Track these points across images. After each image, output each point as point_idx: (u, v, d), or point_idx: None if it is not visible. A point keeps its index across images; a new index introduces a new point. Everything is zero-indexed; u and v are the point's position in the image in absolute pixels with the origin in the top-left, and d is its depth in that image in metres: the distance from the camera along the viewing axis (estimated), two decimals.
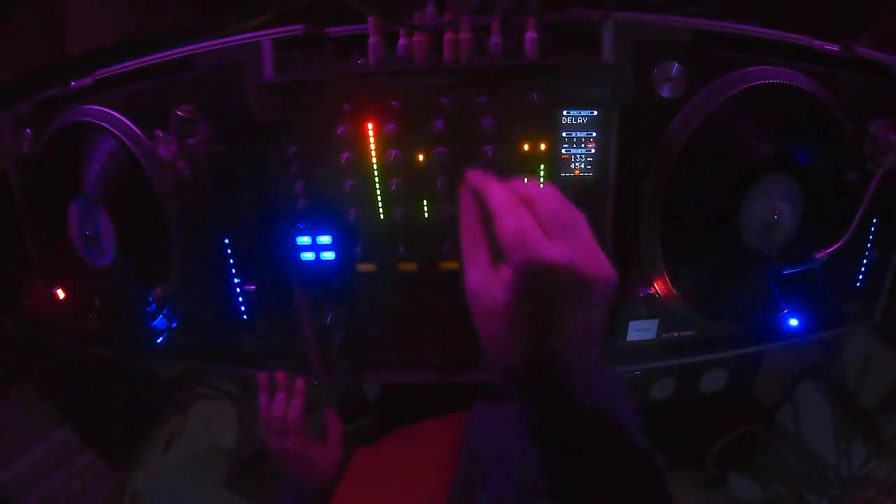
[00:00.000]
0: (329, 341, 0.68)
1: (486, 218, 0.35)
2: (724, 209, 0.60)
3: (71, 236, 0.67)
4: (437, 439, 0.64)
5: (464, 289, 0.35)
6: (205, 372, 1.18)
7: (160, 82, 0.63)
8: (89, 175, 0.64)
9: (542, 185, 0.37)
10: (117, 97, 0.64)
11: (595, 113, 0.58)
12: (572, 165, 0.60)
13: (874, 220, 0.70)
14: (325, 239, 0.63)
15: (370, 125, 0.58)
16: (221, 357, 0.74)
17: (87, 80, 0.64)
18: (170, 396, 1.19)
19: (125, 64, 0.63)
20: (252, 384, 1.17)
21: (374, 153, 0.59)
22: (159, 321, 0.68)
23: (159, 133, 0.59)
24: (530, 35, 0.56)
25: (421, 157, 0.59)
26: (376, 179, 0.60)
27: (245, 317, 0.70)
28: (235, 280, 0.68)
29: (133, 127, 0.62)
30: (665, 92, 0.59)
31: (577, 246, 0.35)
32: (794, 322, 0.68)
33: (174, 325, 0.70)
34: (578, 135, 0.59)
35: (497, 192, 0.35)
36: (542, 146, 0.58)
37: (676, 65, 0.58)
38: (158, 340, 0.70)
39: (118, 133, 0.62)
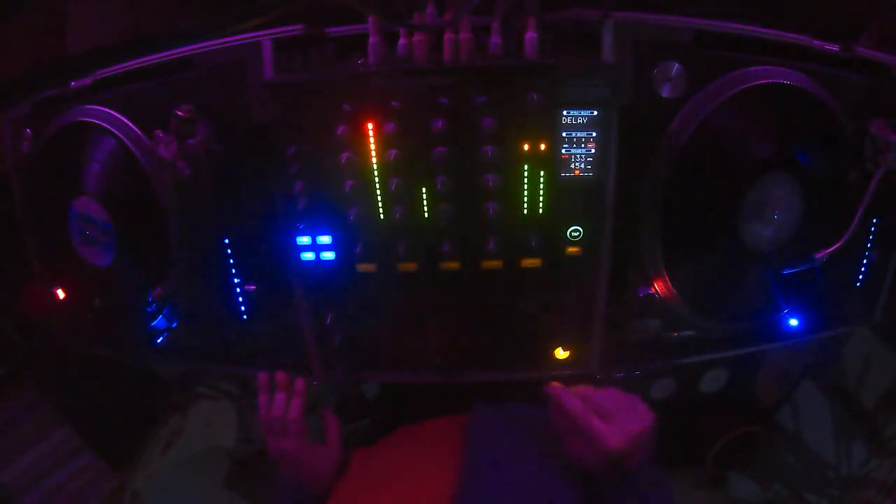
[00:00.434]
0: (329, 341, 0.68)
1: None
2: (724, 209, 0.60)
3: (71, 236, 0.67)
4: (436, 441, 0.64)
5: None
6: (205, 372, 1.18)
7: (160, 82, 0.63)
8: (89, 175, 0.64)
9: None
10: (117, 97, 0.64)
11: (595, 113, 0.58)
12: (572, 165, 0.60)
13: (874, 220, 0.70)
14: (325, 239, 0.63)
15: (370, 125, 0.58)
16: (221, 357, 0.74)
17: (87, 80, 0.64)
18: (170, 396, 1.19)
19: (125, 64, 0.63)
20: (252, 384, 1.17)
21: (374, 153, 0.59)
22: (159, 321, 0.68)
23: (159, 133, 0.59)
24: (530, 35, 0.56)
25: (421, 158, 0.59)
26: (376, 179, 0.60)
27: (245, 317, 0.70)
28: (235, 280, 0.68)
29: (133, 127, 0.62)
30: (665, 92, 0.59)
31: (631, 419, 0.56)
32: (794, 322, 0.68)
33: (174, 325, 0.70)
34: (578, 135, 0.59)
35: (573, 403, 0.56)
36: (542, 146, 0.58)
37: (676, 65, 0.58)
38: (158, 340, 0.70)
39: (118, 133, 0.62)
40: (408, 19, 0.56)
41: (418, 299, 0.66)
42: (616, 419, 0.55)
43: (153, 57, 0.62)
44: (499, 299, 0.65)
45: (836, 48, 0.62)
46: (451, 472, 0.56)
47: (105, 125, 0.62)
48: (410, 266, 0.63)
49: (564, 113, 0.58)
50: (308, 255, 0.64)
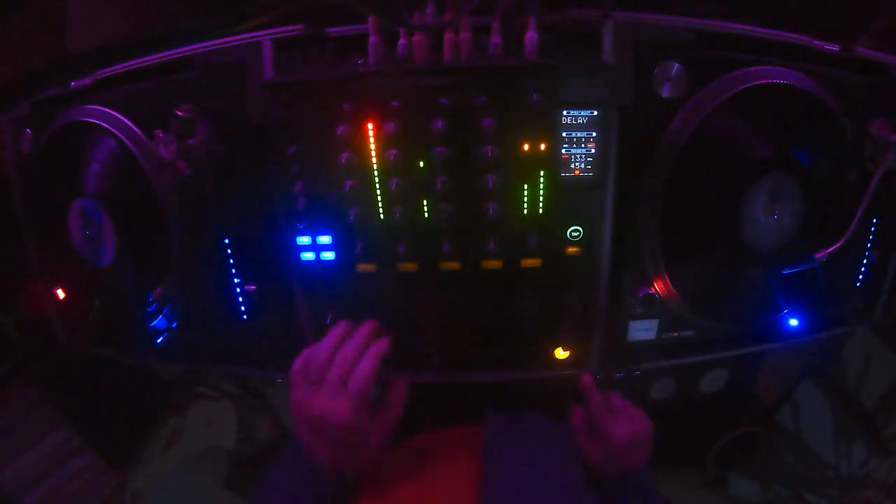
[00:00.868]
0: None
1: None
2: (724, 209, 0.60)
3: (71, 236, 0.67)
4: (451, 453, 0.63)
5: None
6: (205, 372, 1.18)
7: (160, 82, 0.63)
8: (89, 175, 0.64)
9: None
10: (117, 97, 0.64)
11: (595, 113, 0.58)
12: (572, 165, 0.60)
13: (874, 220, 0.70)
14: (325, 239, 0.63)
15: (370, 125, 0.58)
16: (221, 357, 0.74)
17: (87, 80, 0.64)
18: (170, 396, 1.20)
19: (125, 64, 0.63)
20: (252, 384, 1.18)
21: (373, 153, 0.59)
22: (159, 321, 0.68)
23: (159, 133, 0.59)
24: (530, 35, 0.56)
25: (421, 157, 0.59)
26: (376, 179, 0.60)
27: (245, 317, 0.70)
28: (235, 280, 0.68)
29: (133, 127, 0.62)
30: (665, 92, 0.59)
31: (632, 420, 0.68)
32: (794, 322, 0.68)
33: (174, 325, 0.70)
34: (578, 135, 0.59)
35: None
36: (542, 146, 0.58)
37: (676, 65, 0.58)
38: (158, 340, 0.70)
39: (118, 133, 0.62)
40: (408, 19, 0.56)
41: (418, 299, 0.66)
42: (621, 417, 0.66)
43: (153, 57, 0.62)
44: (499, 299, 0.65)
45: (836, 48, 0.62)
46: (470, 487, 0.55)
47: (105, 125, 0.62)
48: (410, 266, 0.63)
49: (564, 113, 0.58)
50: (308, 255, 0.64)
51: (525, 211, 0.61)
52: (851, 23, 0.70)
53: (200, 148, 0.60)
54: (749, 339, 0.73)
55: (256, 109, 0.60)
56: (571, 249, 0.63)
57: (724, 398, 1.00)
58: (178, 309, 0.69)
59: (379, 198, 0.61)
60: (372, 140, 0.58)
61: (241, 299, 0.69)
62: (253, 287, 0.68)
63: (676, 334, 0.70)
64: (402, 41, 0.57)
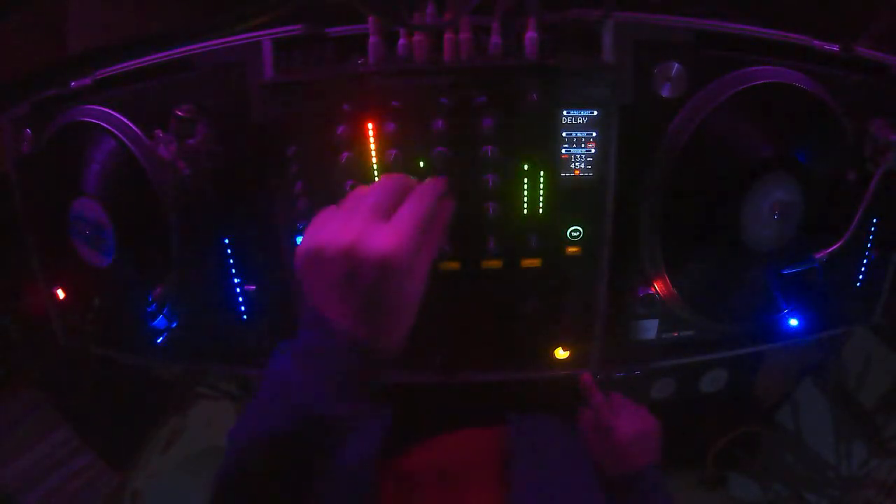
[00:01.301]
0: None
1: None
2: (724, 209, 0.60)
3: (71, 236, 0.67)
4: (473, 458, 0.63)
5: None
6: (205, 372, 1.18)
7: (160, 82, 0.63)
8: (89, 175, 0.64)
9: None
10: (117, 97, 0.64)
11: (595, 113, 0.58)
12: (572, 165, 0.60)
13: (874, 220, 0.70)
14: None
15: (370, 125, 0.58)
16: (221, 357, 0.74)
17: (87, 80, 0.64)
18: (170, 396, 1.20)
19: (125, 64, 0.63)
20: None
21: (374, 153, 0.59)
22: (159, 321, 0.68)
23: (159, 133, 0.59)
24: (530, 35, 0.56)
25: (421, 157, 0.59)
26: (376, 179, 0.60)
27: (245, 317, 0.70)
28: (235, 280, 0.68)
29: (133, 127, 0.62)
30: (665, 92, 0.59)
31: (636, 417, 0.68)
32: (794, 322, 0.68)
33: (174, 325, 0.70)
34: (578, 135, 0.59)
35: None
36: (542, 146, 0.58)
37: (676, 65, 0.58)
38: (158, 340, 0.70)
39: (118, 133, 0.62)
40: (408, 19, 0.56)
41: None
42: (625, 415, 0.67)
43: (153, 57, 0.62)
44: (499, 299, 0.65)
45: (836, 48, 0.62)
46: (495, 489, 0.55)
47: (105, 125, 0.62)
48: None
49: (564, 113, 0.58)
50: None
51: (525, 211, 0.61)
52: (851, 23, 0.70)
53: (200, 148, 0.60)
54: (749, 339, 0.73)
55: (256, 109, 0.60)
56: (571, 249, 0.63)
57: (724, 398, 1.00)
58: (178, 309, 0.69)
59: None
60: (372, 140, 0.58)
61: (241, 299, 0.69)
62: (253, 287, 0.68)
63: (676, 334, 0.70)
64: (402, 41, 0.57)
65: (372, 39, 0.57)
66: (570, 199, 0.61)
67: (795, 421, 1.11)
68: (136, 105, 0.63)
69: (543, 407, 0.71)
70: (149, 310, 0.67)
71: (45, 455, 1.03)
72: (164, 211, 0.62)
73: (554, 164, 0.59)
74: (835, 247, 0.61)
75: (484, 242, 0.62)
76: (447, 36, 0.56)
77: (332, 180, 0.60)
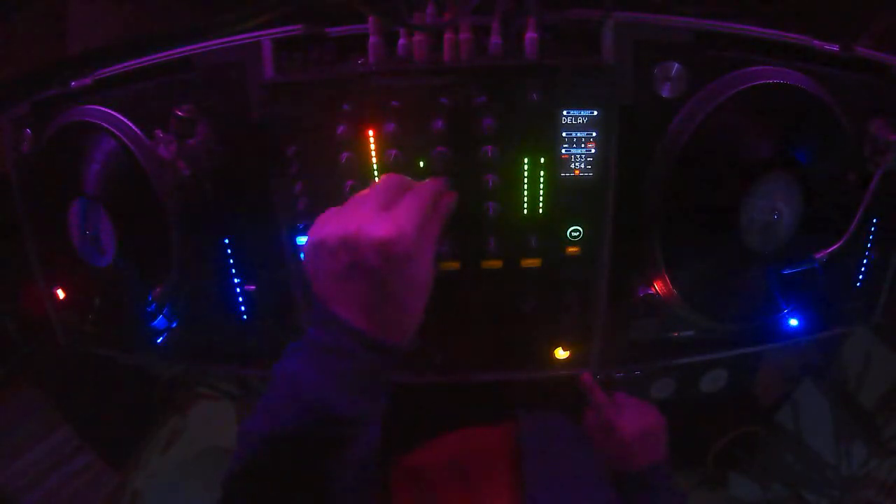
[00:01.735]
0: None
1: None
2: (724, 209, 0.60)
3: (71, 236, 0.67)
4: (485, 449, 0.63)
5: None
6: (205, 372, 1.18)
7: (160, 82, 0.63)
8: (89, 175, 0.64)
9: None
10: (117, 97, 0.64)
11: (595, 113, 0.58)
12: (572, 165, 0.60)
13: (874, 220, 0.70)
14: None
15: (370, 125, 0.57)
16: (221, 357, 0.74)
17: (87, 80, 0.64)
18: (170, 396, 1.20)
19: (125, 64, 0.63)
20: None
21: (374, 153, 0.59)
22: (159, 321, 0.68)
23: (159, 133, 0.59)
24: (530, 35, 0.56)
25: (421, 157, 0.59)
26: (376, 179, 0.60)
27: (245, 317, 0.70)
28: (235, 280, 0.68)
29: (133, 127, 0.62)
30: (665, 92, 0.59)
31: (641, 415, 0.68)
32: (794, 322, 0.68)
33: (174, 325, 0.70)
34: (578, 135, 0.59)
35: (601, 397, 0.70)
36: (542, 146, 0.58)
37: (676, 65, 0.58)
38: (158, 340, 0.70)
39: (118, 133, 0.62)
40: (408, 19, 0.56)
41: None
42: (628, 412, 0.68)
43: (153, 57, 0.62)
44: (499, 299, 0.65)
45: (836, 48, 0.62)
46: (508, 485, 0.56)
47: (105, 125, 0.62)
48: None
49: (564, 113, 0.58)
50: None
51: (525, 211, 0.61)
52: (851, 23, 0.70)
53: (200, 148, 0.60)
54: (749, 339, 0.73)
55: (256, 109, 0.60)
56: (571, 249, 0.63)
57: (724, 398, 1.00)
58: (178, 309, 0.69)
59: None
60: (372, 140, 0.58)
61: (241, 299, 0.69)
62: (253, 287, 0.68)
63: (676, 334, 0.70)
64: (402, 41, 0.57)
65: (372, 39, 0.57)
66: (570, 199, 0.61)
67: (795, 421, 1.11)
68: (136, 105, 0.63)
69: (549, 405, 0.71)
70: (149, 310, 0.67)
71: (45, 455, 1.03)
72: (164, 211, 0.62)
73: (554, 164, 0.59)
74: (835, 247, 0.61)
75: (484, 242, 0.62)
76: (447, 36, 0.56)
77: (332, 180, 0.60)
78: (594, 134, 0.59)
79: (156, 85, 0.63)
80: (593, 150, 0.59)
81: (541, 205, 0.61)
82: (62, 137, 0.66)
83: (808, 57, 0.62)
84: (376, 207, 0.40)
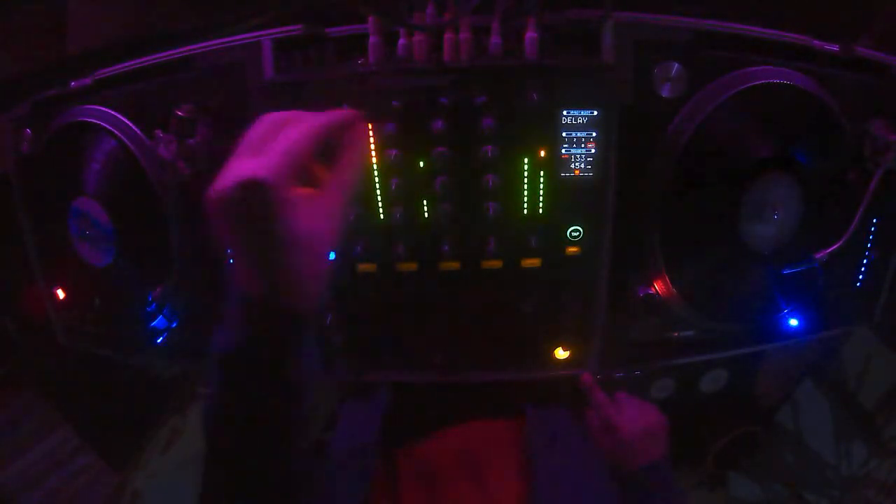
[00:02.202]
0: (329, 341, 0.68)
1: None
2: (724, 209, 0.60)
3: (71, 236, 0.67)
4: (492, 442, 0.63)
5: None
6: (205, 372, 1.18)
7: (160, 82, 0.63)
8: (89, 175, 0.64)
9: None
10: (117, 97, 0.64)
11: (595, 113, 0.58)
12: (572, 165, 0.60)
13: (874, 220, 0.70)
14: None
15: (370, 125, 0.57)
16: None
17: (87, 80, 0.64)
18: (170, 396, 1.19)
19: (125, 64, 0.63)
20: None
21: (373, 153, 0.59)
22: (159, 321, 0.68)
23: (159, 133, 0.59)
24: (530, 35, 0.56)
25: (421, 157, 0.59)
26: (376, 179, 0.60)
27: None
28: None
29: (133, 127, 0.62)
30: (665, 92, 0.59)
31: (642, 414, 0.69)
32: (794, 322, 0.68)
33: (174, 325, 0.70)
34: (578, 135, 0.59)
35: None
36: (542, 146, 0.58)
37: (676, 65, 0.58)
38: (158, 340, 0.70)
39: (118, 133, 0.62)
40: (408, 19, 0.56)
41: (418, 299, 0.66)
42: (629, 411, 0.68)
43: (153, 57, 0.62)
44: (499, 299, 0.65)
45: (836, 48, 0.62)
46: (517, 478, 0.56)
47: (105, 125, 0.62)
48: (411, 266, 0.63)
49: (564, 113, 0.58)
50: None
51: (525, 211, 0.61)
52: (851, 23, 0.70)
53: (200, 148, 0.60)
54: (749, 339, 0.73)
55: (256, 109, 0.59)
56: (571, 249, 0.63)
57: (724, 398, 1.00)
58: (177, 309, 0.69)
59: (379, 198, 0.61)
60: (372, 140, 0.58)
61: None
62: None
63: (676, 334, 0.70)
64: (402, 41, 0.57)
65: (372, 39, 0.57)
66: (570, 199, 0.61)
67: (795, 421, 1.11)
68: (136, 105, 0.63)
69: (551, 402, 0.71)
70: (149, 310, 0.67)
71: (45, 455, 1.03)
72: (164, 211, 0.62)
73: (554, 164, 0.59)
74: (835, 247, 0.61)
75: (484, 242, 0.62)
76: (447, 36, 0.56)
77: None
78: (594, 134, 0.59)
79: (156, 85, 0.63)
80: (593, 150, 0.59)
81: (541, 205, 0.61)
82: (62, 137, 0.66)
83: (808, 57, 0.62)
84: (246, 150, 0.37)
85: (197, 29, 0.41)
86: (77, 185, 0.64)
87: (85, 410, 1.09)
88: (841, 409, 1.05)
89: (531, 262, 0.63)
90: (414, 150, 0.58)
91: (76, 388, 1.07)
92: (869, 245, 0.71)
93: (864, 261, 0.72)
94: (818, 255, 0.61)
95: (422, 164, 0.59)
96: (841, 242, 0.61)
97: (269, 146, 0.36)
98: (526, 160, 0.59)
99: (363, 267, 0.64)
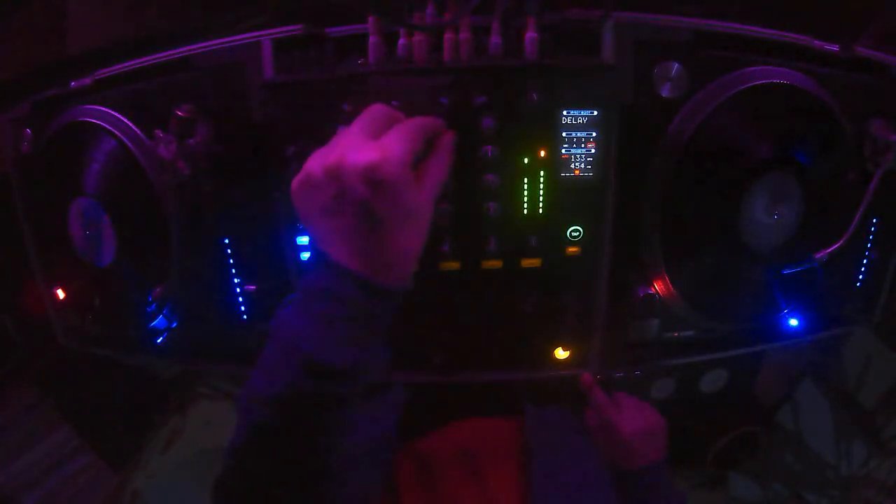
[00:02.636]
0: None
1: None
2: (724, 209, 0.60)
3: (71, 236, 0.67)
4: (492, 440, 0.63)
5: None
6: (205, 372, 1.18)
7: (160, 82, 0.63)
8: (89, 175, 0.64)
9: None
10: (117, 97, 0.64)
11: (595, 113, 0.58)
12: (572, 165, 0.60)
13: (874, 220, 0.70)
14: None
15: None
16: (221, 357, 0.74)
17: (87, 80, 0.64)
18: (170, 396, 1.20)
19: (125, 64, 0.63)
20: None
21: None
22: (159, 321, 0.68)
23: (159, 133, 0.59)
24: (530, 35, 0.56)
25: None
26: None
27: (245, 317, 0.70)
28: (235, 280, 0.68)
29: (133, 127, 0.62)
30: (665, 92, 0.59)
31: (641, 415, 0.70)
32: (794, 322, 0.68)
33: (174, 325, 0.70)
34: (578, 135, 0.59)
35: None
36: (542, 146, 0.58)
37: (676, 65, 0.58)
38: (158, 340, 0.70)
39: (118, 133, 0.62)
40: (408, 19, 0.56)
41: (418, 299, 0.65)
42: (628, 411, 0.69)
43: (153, 57, 0.62)
44: (499, 299, 0.65)
45: (836, 48, 0.62)
46: (516, 476, 0.56)
47: (105, 125, 0.62)
48: None
49: (564, 113, 0.58)
50: (308, 255, 0.64)
51: (525, 211, 0.61)
52: (851, 23, 0.70)
53: (200, 148, 0.60)
54: (749, 339, 0.73)
55: (256, 109, 0.59)
56: (571, 249, 0.63)
57: (724, 398, 1.00)
58: (178, 309, 0.69)
59: None
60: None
61: (241, 299, 0.69)
62: (253, 287, 0.68)
63: (676, 334, 0.70)
64: (402, 41, 0.57)
65: (372, 39, 0.57)
66: (570, 199, 0.61)
67: (795, 421, 1.11)
68: (136, 105, 0.63)
69: (550, 402, 0.71)
70: (149, 310, 0.67)
71: (45, 455, 1.03)
72: (164, 211, 0.62)
73: (554, 164, 0.59)
74: (835, 247, 0.61)
75: (484, 242, 0.62)
76: (447, 36, 0.56)
77: None
78: (594, 134, 0.59)
79: (155, 85, 0.63)
80: (593, 150, 0.59)
81: (541, 205, 0.61)
82: (62, 137, 0.66)
83: (808, 57, 0.62)
84: (361, 135, 0.38)
85: (197, 29, 0.41)
86: (77, 185, 0.64)
87: (85, 410, 1.09)
88: (841, 409, 1.05)
89: (531, 262, 0.63)
90: None
91: (76, 388, 1.07)
92: (869, 245, 0.71)
93: (864, 261, 0.72)
94: (818, 256, 0.61)
95: None
96: (841, 242, 0.61)
97: (386, 135, 0.38)
98: (526, 160, 0.59)
99: None
